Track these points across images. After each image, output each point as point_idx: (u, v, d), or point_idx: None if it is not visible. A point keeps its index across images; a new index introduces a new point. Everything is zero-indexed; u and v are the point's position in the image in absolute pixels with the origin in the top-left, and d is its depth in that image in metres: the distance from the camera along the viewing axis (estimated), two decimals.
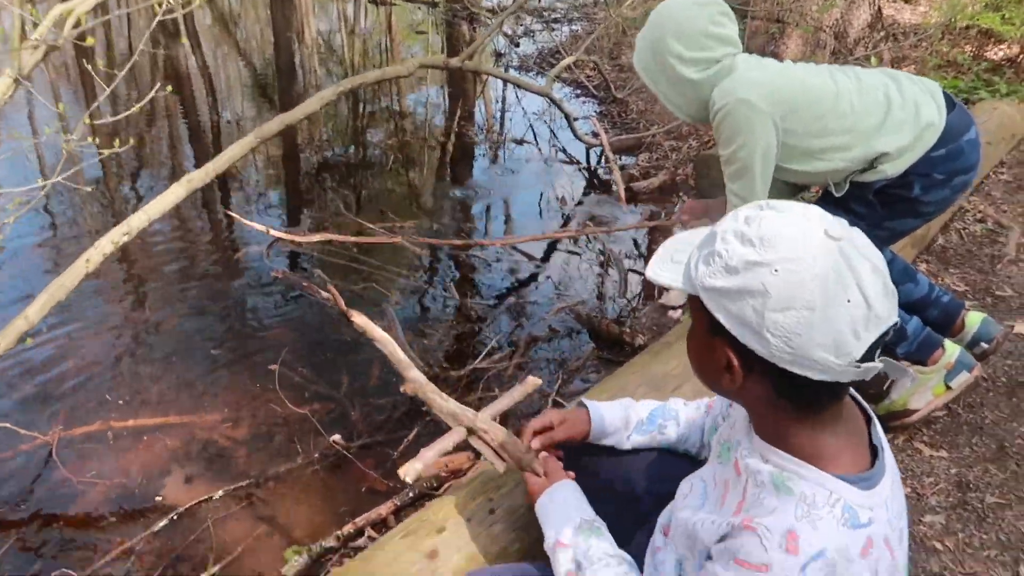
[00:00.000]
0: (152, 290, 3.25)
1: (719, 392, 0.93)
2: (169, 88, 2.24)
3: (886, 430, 2.03)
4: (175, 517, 2.14)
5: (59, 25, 2.27)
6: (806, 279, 0.76)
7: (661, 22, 1.85)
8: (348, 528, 2.03)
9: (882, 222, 1.90)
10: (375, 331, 2.03)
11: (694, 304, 0.88)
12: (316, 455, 2.36)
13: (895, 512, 0.86)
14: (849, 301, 0.76)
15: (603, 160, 4.70)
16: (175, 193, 2.44)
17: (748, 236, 0.80)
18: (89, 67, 2.10)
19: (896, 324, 0.80)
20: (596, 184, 4.61)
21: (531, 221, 4.06)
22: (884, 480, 0.85)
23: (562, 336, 3.00)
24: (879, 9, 5.61)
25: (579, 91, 6.14)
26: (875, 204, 1.87)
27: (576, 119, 4.91)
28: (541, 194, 4.35)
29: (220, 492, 2.22)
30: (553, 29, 8.13)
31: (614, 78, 5.89)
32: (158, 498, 2.22)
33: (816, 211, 0.81)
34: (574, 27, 8.22)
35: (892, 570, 0.84)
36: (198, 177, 2.48)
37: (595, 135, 4.76)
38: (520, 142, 5.15)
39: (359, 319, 2.07)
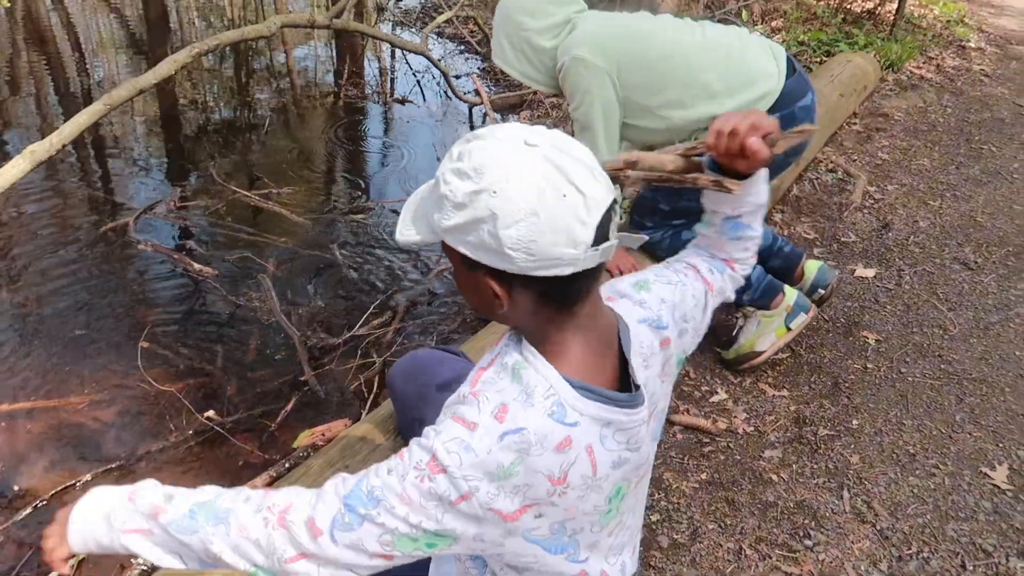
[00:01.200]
0: (12, 269, 3.08)
1: (500, 321, 0.98)
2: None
3: (736, 372, 2.19)
4: (40, 505, 2.08)
5: None
6: (521, 190, 0.82)
7: (507, 8, 1.93)
8: None
9: None
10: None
11: (445, 249, 0.93)
12: (190, 432, 2.34)
13: (626, 442, 0.95)
14: (564, 196, 0.82)
15: (485, 118, 4.71)
16: (18, 167, 2.32)
17: (463, 170, 0.85)
18: None
19: (614, 200, 0.86)
20: None
21: (415, 182, 4.05)
22: (639, 410, 0.94)
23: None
24: None
25: (462, 47, 6.08)
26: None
27: (457, 77, 4.89)
28: (428, 154, 4.34)
29: (88, 476, 2.17)
30: None
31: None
32: (23, 485, 2.16)
33: (515, 127, 0.87)
34: None
35: (587, 481, 0.92)
36: (42, 149, 2.35)
37: (476, 93, 4.76)
38: (403, 101, 5.09)
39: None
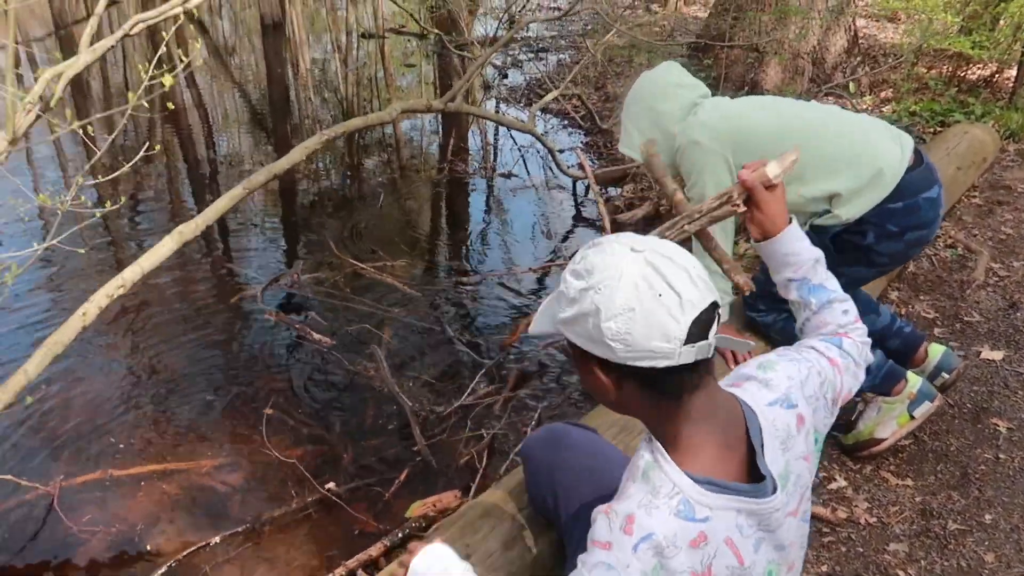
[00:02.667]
0: (148, 338, 3.33)
1: (615, 410, 1.06)
2: (157, 148, 2.35)
3: (856, 459, 2.12)
4: (173, 564, 2.21)
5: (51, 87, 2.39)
6: (622, 288, 0.92)
7: (641, 94, 2.05)
8: (340, 571, 2.10)
9: (836, 268, 1.98)
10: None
11: (568, 342, 1.02)
12: (309, 499, 2.44)
13: (757, 524, 0.97)
14: (660, 295, 0.90)
15: (588, 191, 4.81)
16: (166, 246, 2.54)
17: (579, 271, 0.97)
18: (80, 132, 2.20)
19: (714, 304, 0.92)
20: (581, 216, 4.72)
21: (521, 254, 4.16)
22: (771, 499, 0.97)
23: (552, 370, 3.08)
24: (855, 35, 5.75)
25: (566, 122, 6.26)
26: (830, 248, 1.97)
27: (561, 151, 5.03)
28: (532, 227, 4.46)
29: (217, 539, 2.29)
30: (541, 59, 8.29)
31: (599, 108, 6.01)
32: (156, 545, 2.30)
33: (629, 236, 0.98)
34: (562, 56, 8.37)
35: (735, 571, 0.94)
36: (188, 230, 2.58)
37: (580, 167, 4.87)
38: (508, 175, 5.27)
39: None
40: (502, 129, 6.36)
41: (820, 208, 1.96)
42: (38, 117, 2.39)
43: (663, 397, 0.96)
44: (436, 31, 8.77)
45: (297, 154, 2.84)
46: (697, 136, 1.96)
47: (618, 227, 4.36)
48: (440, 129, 6.52)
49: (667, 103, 2.04)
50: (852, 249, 1.96)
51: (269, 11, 10.11)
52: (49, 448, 2.66)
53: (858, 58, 5.59)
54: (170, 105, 2.03)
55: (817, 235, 1.99)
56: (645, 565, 0.89)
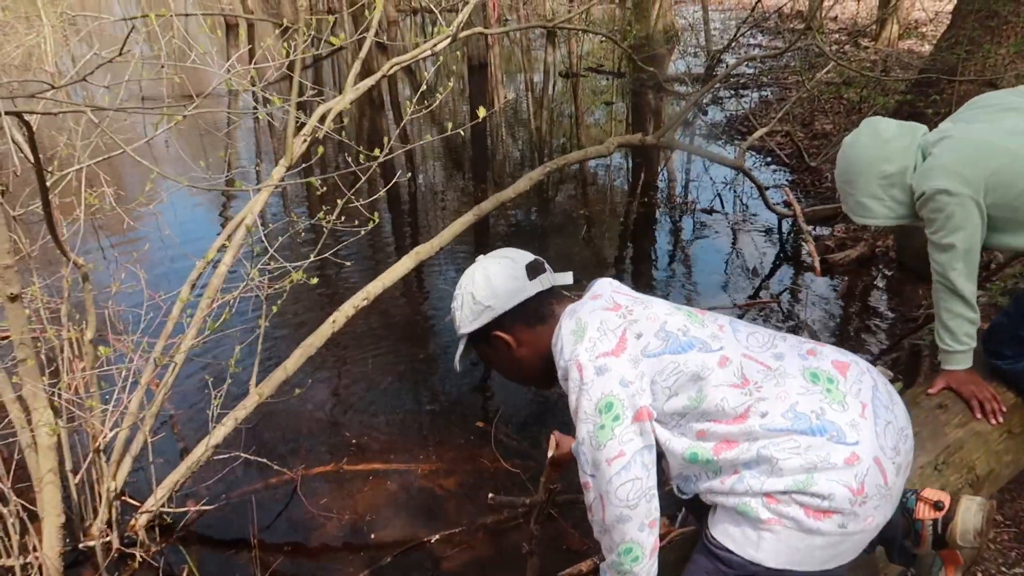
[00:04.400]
0: (375, 352, 3.65)
1: (534, 375, 1.41)
2: (408, 175, 2.59)
3: None
4: (399, 554, 2.40)
5: (321, 121, 2.72)
6: (474, 273, 1.39)
7: (860, 165, 2.00)
8: None
9: None
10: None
11: (480, 353, 1.45)
12: (520, 511, 2.55)
13: (618, 286, 1.40)
14: (498, 261, 1.39)
15: (795, 230, 4.67)
16: (405, 264, 2.78)
17: (453, 297, 1.44)
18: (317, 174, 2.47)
19: (534, 259, 1.40)
20: (787, 254, 4.58)
21: (718, 291, 4.11)
22: (595, 285, 1.40)
23: None
24: None
25: (769, 159, 6.12)
26: None
27: (767, 188, 4.93)
28: (727, 263, 4.40)
29: (436, 536, 2.46)
30: (742, 96, 8.17)
31: (807, 146, 5.83)
32: (381, 536, 2.50)
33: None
34: (763, 92, 8.21)
35: (634, 299, 1.32)
36: (424, 250, 2.81)
37: (787, 205, 4.75)
38: (710, 211, 5.23)
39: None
40: (696, 167, 6.34)
41: None
42: (309, 145, 2.74)
43: (542, 320, 1.36)
44: (640, 69, 8.90)
45: (523, 184, 3.02)
46: (944, 184, 1.84)
47: (828, 267, 4.20)
48: (628, 165, 6.60)
49: (892, 164, 1.96)
50: None
51: (476, 53, 10.75)
52: (294, 440, 2.98)
53: None
54: (377, 153, 2.24)
55: None
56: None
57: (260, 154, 7.55)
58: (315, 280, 2.39)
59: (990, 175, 1.82)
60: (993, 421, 1.95)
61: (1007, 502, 2.10)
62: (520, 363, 1.40)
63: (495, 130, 8.36)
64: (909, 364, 3.23)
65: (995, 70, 4.76)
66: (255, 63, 2.36)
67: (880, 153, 1.97)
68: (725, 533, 1.22)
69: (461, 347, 1.43)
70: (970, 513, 1.36)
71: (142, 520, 2.44)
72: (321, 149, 2.39)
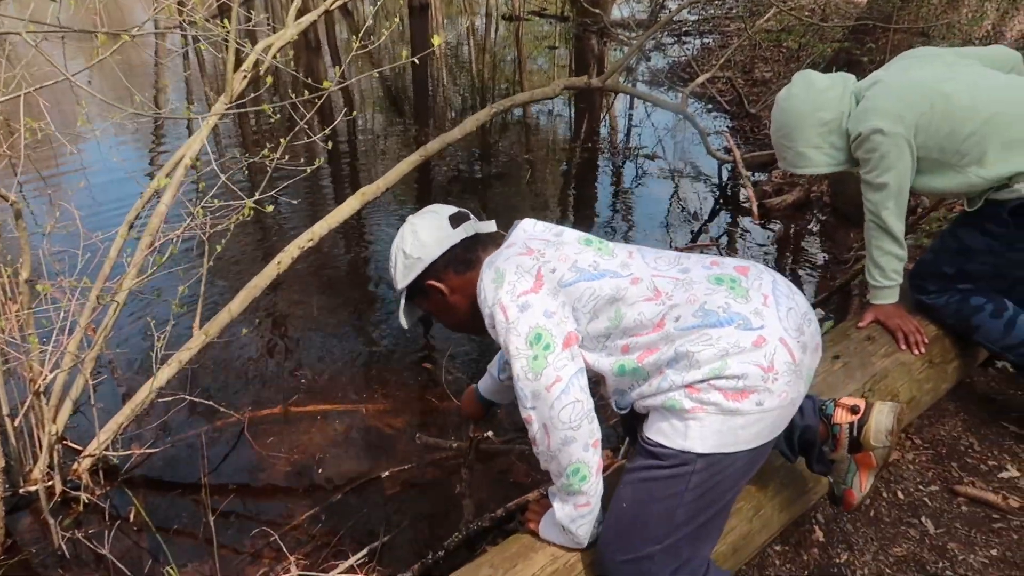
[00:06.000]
0: (320, 294, 3.62)
1: (470, 321, 1.49)
2: (348, 119, 2.54)
3: None
4: (349, 491, 2.43)
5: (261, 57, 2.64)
6: (403, 232, 1.51)
7: (798, 117, 2.06)
8: (500, 512, 2.25)
9: (1015, 243, 1.93)
10: None
11: (419, 305, 1.58)
12: (468, 446, 2.60)
13: (539, 228, 1.53)
14: (423, 214, 1.53)
15: (734, 176, 4.77)
16: (351, 205, 2.75)
17: (388, 258, 1.57)
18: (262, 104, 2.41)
19: (457, 210, 1.52)
20: (726, 199, 4.69)
21: (660, 234, 4.19)
22: (516, 228, 1.53)
23: None
24: None
25: (710, 106, 6.20)
26: (1009, 223, 1.91)
27: (708, 134, 5.00)
28: (668, 208, 4.48)
29: (386, 472, 2.50)
30: (684, 43, 8.19)
31: (747, 92, 5.91)
32: (332, 474, 2.52)
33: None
34: (705, 39, 8.25)
35: (546, 243, 1.43)
36: (370, 191, 2.78)
37: (727, 151, 4.84)
38: (652, 157, 5.29)
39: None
40: (638, 113, 6.38)
41: (998, 184, 1.89)
42: (249, 82, 2.66)
43: (469, 266, 1.47)
44: (585, 13, 8.82)
45: (469, 124, 3.00)
46: (878, 123, 1.91)
47: (766, 211, 4.31)
48: (571, 112, 6.59)
49: (828, 111, 2.02)
50: None
51: None
52: (240, 382, 2.96)
53: None
54: (327, 84, 2.20)
55: (994, 208, 1.94)
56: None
57: (191, 97, 7.27)
58: (270, 207, 2.35)
59: (920, 116, 1.89)
60: (916, 352, 2.08)
61: (926, 427, 2.24)
62: (455, 309, 1.51)
63: (436, 74, 8.21)
64: (840, 303, 3.37)
65: (928, 19, 4.89)
66: None
67: (816, 103, 2.04)
68: (657, 431, 1.32)
69: (402, 303, 1.55)
70: (882, 415, 1.47)
71: (85, 464, 2.41)
72: (270, 79, 2.32)
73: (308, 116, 2.35)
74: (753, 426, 1.27)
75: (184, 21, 2.61)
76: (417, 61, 2.36)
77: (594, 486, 1.36)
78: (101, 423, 2.42)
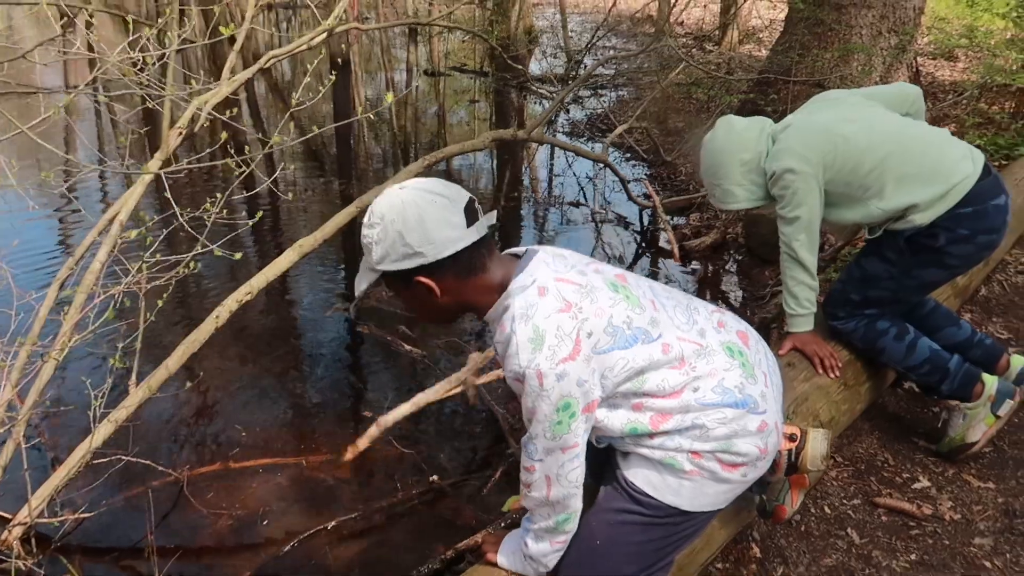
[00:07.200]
0: (256, 346, 3.60)
1: (447, 318, 1.41)
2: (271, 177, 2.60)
3: (938, 463, 2.23)
4: (296, 544, 2.41)
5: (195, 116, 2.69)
6: (407, 210, 1.28)
7: (721, 157, 2.23)
8: (450, 553, 2.28)
9: (910, 270, 2.13)
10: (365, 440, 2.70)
11: (389, 285, 1.37)
12: (414, 492, 2.63)
13: (563, 262, 1.39)
14: (434, 201, 1.29)
15: (654, 220, 5.00)
16: (288, 258, 2.78)
17: (371, 223, 1.32)
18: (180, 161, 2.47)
19: (470, 198, 1.33)
20: (648, 243, 4.90)
21: None
22: (536, 257, 1.38)
23: None
24: (917, 70, 5.88)
25: (629, 154, 6.48)
26: (905, 251, 2.11)
27: (629, 182, 5.23)
28: (593, 252, 4.65)
29: (333, 522, 2.49)
30: (600, 95, 8.55)
31: (662, 142, 6.22)
32: (277, 528, 2.50)
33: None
34: (620, 92, 8.64)
35: (579, 289, 1.32)
36: (308, 243, 2.82)
37: (647, 196, 5.07)
38: (575, 204, 5.49)
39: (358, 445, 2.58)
40: (560, 162, 6.61)
41: (895, 216, 2.09)
42: (183, 138, 2.69)
43: (473, 272, 1.33)
44: (505, 68, 9.09)
45: (402, 176, 3.09)
46: (790, 163, 2.10)
47: (686, 253, 4.53)
48: (493, 163, 6.78)
49: (747, 152, 2.21)
50: (926, 251, 2.09)
51: (340, 50, 10.60)
52: (177, 441, 2.91)
53: None
54: (277, 139, 2.27)
55: (891, 238, 2.14)
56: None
57: (105, 155, 7.12)
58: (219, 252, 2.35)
59: (824, 155, 2.09)
60: (831, 375, 2.24)
61: (845, 445, 2.40)
62: (437, 307, 1.37)
63: (359, 129, 8.29)
64: (760, 334, 3.56)
65: (822, 72, 5.29)
66: (103, 57, 2.30)
67: (736, 144, 2.21)
68: (647, 481, 1.40)
69: (367, 284, 1.36)
70: (817, 442, 1.61)
71: (16, 532, 2.32)
72: (225, 134, 2.36)
73: (244, 172, 2.39)
74: (734, 491, 1.43)
75: (99, 79, 2.62)
76: (388, 102, 2.44)
77: (574, 524, 1.43)
78: (34, 488, 2.35)
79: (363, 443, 2.79)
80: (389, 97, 2.10)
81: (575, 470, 1.34)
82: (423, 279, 1.31)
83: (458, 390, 2.78)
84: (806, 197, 2.10)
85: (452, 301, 1.36)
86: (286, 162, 6.84)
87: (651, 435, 1.38)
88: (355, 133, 8.06)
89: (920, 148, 2.05)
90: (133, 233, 2.34)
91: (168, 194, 2.40)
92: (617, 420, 1.37)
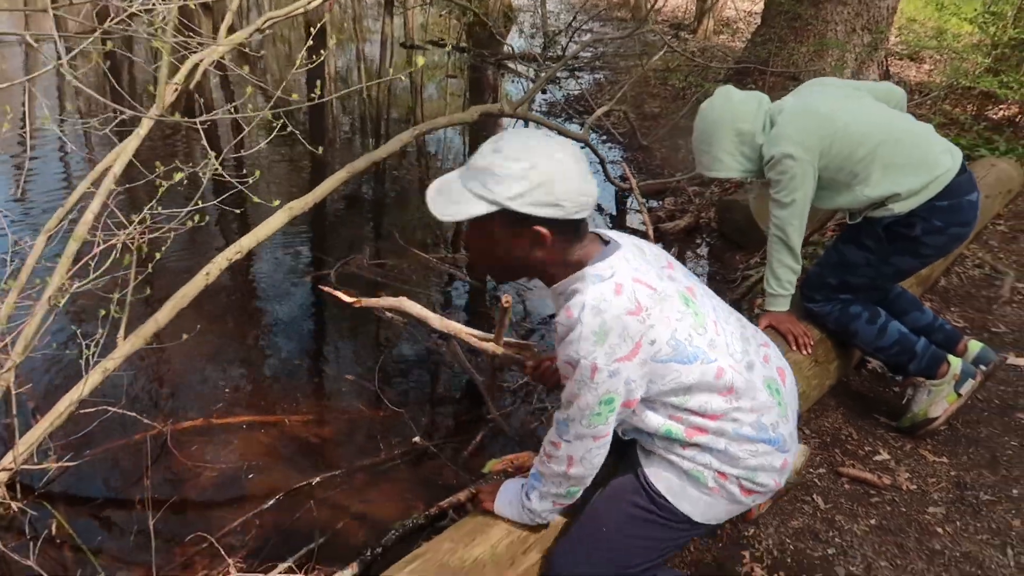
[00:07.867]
0: (241, 307, 3.61)
1: (511, 275, 1.42)
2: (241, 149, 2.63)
3: (897, 438, 2.37)
4: (280, 498, 2.47)
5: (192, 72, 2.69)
6: (563, 160, 1.27)
7: (722, 123, 2.28)
8: (433, 510, 2.36)
9: (887, 257, 2.26)
10: (385, 302, 2.94)
11: (483, 226, 1.31)
12: (396, 452, 2.70)
13: (643, 260, 1.39)
14: (579, 162, 1.30)
15: (630, 203, 5.10)
16: (279, 219, 2.81)
17: (509, 155, 1.26)
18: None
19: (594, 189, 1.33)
20: (623, 225, 5.00)
21: None
22: (619, 251, 1.37)
23: None
24: (887, 69, 6.06)
25: (606, 137, 6.57)
26: (882, 239, 2.23)
27: (607, 163, 5.32)
28: None
29: (317, 478, 2.55)
30: (578, 77, 8.61)
31: (639, 125, 6.31)
32: (260, 484, 2.55)
33: (523, 131, 1.33)
34: (597, 75, 8.70)
35: (653, 295, 1.33)
36: (297, 205, 2.85)
37: (624, 179, 5.16)
38: None
39: (366, 301, 2.87)
40: None
41: (877, 203, 2.21)
42: (178, 95, 2.69)
43: (576, 238, 1.34)
44: (482, 44, 9.07)
45: (393, 145, 3.13)
46: (790, 149, 2.18)
47: (660, 235, 4.64)
48: (465, 142, 6.80)
49: (746, 123, 2.28)
50: (902, 239, 2.21)
51: (315, 19, 10.46)
52: (161, 394, 2.93)
53: None
54: (296, 97, 2.29)
55: (870, 225, 2.26)
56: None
57: (63, 112, 6.96)
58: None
59: (822, 142, 2.18)
60: (804, 352, 2.36)
61: (813, 419, 2.54)
62: (515, 259, 1.35)
63: (331, 101, 8.21)
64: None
65: (798, 65, 5.43)
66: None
67: (735, 113, 2.27)
68: (667, 486, 1.50)
69: (474, 213, 1.28)
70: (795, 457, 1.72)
71: (1, 477, 2.34)
72: (250, 89, 2.36)
73: (241, 137, 2.41)
74: (739, 511, 1.55)
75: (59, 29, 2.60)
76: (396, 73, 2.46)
77: (580, 494, 1.53)
78: (21, 434, 2.36)
79: (374, 303, 3.01)
80: (420, 60, 2.12)
81: (599, 456, 1.43)
82: (542, 228, 1.29)
83: (479, 344, 2.86)
84: (802, 183, 2.19)
85: (540, 260, 1.35)
86: (258, 132, 6.76)
87: (684, 444, 1.46)
88: (329, 106, 7.99)
89: (910, 140, 2.16)
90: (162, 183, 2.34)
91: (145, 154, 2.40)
92: (654, 420, 1.44)
